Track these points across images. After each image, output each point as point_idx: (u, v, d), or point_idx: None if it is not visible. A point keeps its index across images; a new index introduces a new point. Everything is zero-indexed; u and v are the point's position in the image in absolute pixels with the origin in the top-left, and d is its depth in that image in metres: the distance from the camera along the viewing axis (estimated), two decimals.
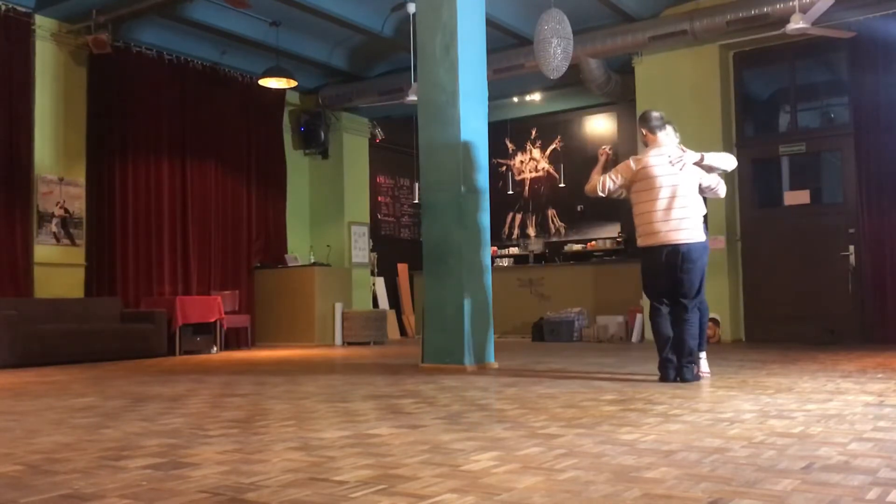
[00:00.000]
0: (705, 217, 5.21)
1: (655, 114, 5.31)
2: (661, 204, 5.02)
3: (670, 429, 3.10)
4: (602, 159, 5.51)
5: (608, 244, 11.97)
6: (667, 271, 5.00)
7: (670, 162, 5.09)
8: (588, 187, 5.42)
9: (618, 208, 11.95)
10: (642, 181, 5.13)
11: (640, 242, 5.17)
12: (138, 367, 7.38)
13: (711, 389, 4.49)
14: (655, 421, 3.32)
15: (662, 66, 9.95)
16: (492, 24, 8.54)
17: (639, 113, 10.14)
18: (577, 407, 3.82)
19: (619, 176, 5.25)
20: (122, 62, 9.43)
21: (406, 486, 2.19)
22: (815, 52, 9.46)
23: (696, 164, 5.20)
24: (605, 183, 5.26)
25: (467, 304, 6.31)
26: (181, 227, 10.03)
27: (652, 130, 5.23)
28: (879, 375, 5.10)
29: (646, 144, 5.31)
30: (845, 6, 8.07)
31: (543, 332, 10.63)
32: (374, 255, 12.66)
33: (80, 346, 8.04)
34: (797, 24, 7.37)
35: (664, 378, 4.97)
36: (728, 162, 5.43)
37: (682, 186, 5.06)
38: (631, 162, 5.22)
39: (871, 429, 3.03)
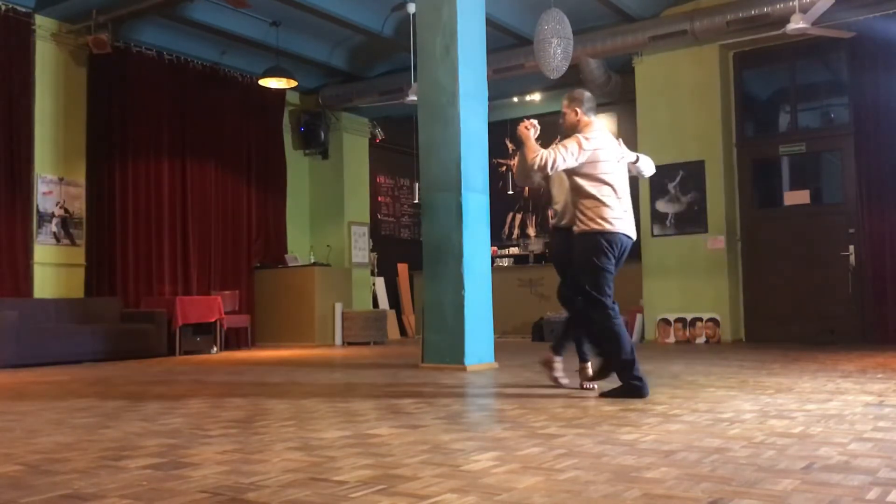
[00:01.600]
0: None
1: (589, 94, 4.77)
2: (619, 191, 4.41)
3: (670, 429, 3.10)
4: (533, 132, 4.62)
5: None
6: (616, 264, 4.42)
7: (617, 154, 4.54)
8: (526, 166, 4.50)
9: None
10: (593, 163, 4.38)
11: (600, 227, 4.31)
12: (138, 367, 7.38)
13: (711, 389, 4.48)
14: (655, 421, 3.32)
15: (662, 66, 9.95)
16: (492, 24, 8.53)
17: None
18: (577, 407, 3.82)
19: (579, 153, 4.35)
20: (122, 62, 9.43)
21: (406, 486, 2.19)
22: (815, 52, 9.46)
23: (630, 163, 4.68)
24: (557, 160, 4.31)
25: (467, 304, 6.31)
26: (181, 227, 10.02)
27: (587, 113, 4.64)
28: (879, 375, 5.10)
29: (572, 126, 4.63)
30: (845, 6, 8.07)
31: (543, 332, 10.63)
32: (374, 255, 12.66)
33: (80, 346, 8.03)
34: (797, 24, 7.37)
35: (644, 389, 4.19)
36: (651, 169, 4.90)
37: (625, 178, 4.54)
38: (583, 141, 4.40)
39: (871, 429, 3.03)
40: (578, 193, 4.44)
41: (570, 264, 4.57)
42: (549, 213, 5.07)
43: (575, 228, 4.48)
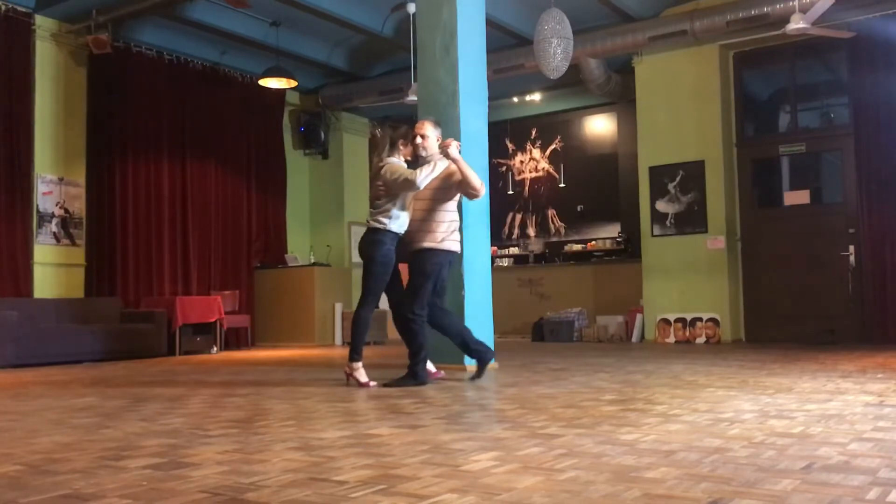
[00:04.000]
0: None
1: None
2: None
3: (670, 429, 3.10)
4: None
5: (608, 244, 11.97)
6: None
7: None
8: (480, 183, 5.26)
9: (618, 209, 11.98)
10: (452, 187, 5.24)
11: (451, 246, 5.22)
12: (138, 367, 7.38)
13: (711, 389, 4.49)
14: (655, 421, 3.32)
15: (662, 66, 9.96)
16: (492, 24, 8.53)
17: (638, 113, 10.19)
18: (577, 407, 3.82)
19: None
20: (122, 62, 9.43)
21: (406, 486, 2.19)
22: (815, 52, 9.46)
23: None
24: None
25: (467, 304, 6.30)
26: (181, 227, 10.03)
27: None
28: (879, 375, 5.10)
29: (423, 151, 5.23)
30: (845, 6, 8.07)
31: (543, 332, 10.63)
32: None
33: (80, 346, 8.04)
34: (797, 24, 7.36)
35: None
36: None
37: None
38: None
39: (871, 429, 3.03)
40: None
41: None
42: None
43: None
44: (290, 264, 11.14)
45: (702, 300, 9.58)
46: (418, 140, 5.22)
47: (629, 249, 11.38)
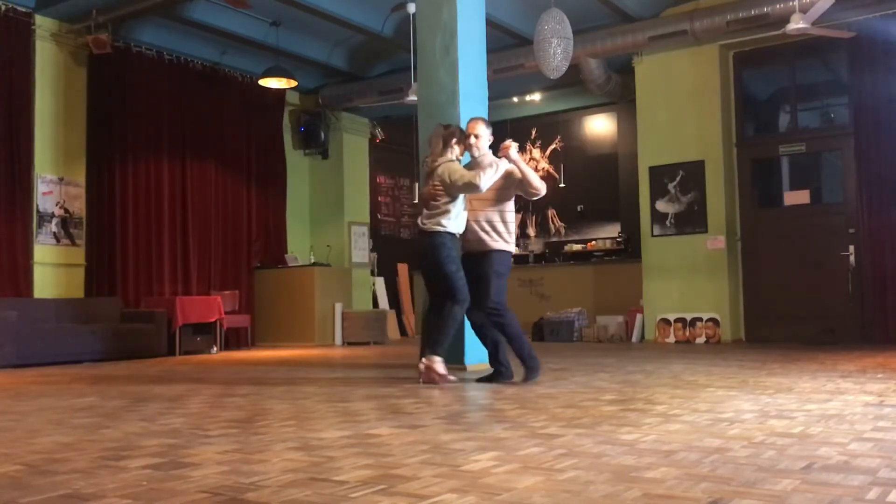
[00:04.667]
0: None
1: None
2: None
3: (670, 429, 3.10)
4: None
5: (608, 244, 11.97)
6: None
7: None
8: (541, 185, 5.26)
9: (618, 209, 11.98)
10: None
11: (510, 248, 5.29)
12: (138, 367, 7.38)
13: (711, 389, 4.49)
14: (655, 421, 3.32)
15: (662, 66, 9.96)
16: (492, 24, 8.53)
17: (638, 115, 10.19)
18: (577, 407, 3.82)
19: None
20: (122, 62, 9.43)
21: (406, 486, 2.19)
22: (815, 52, 9.46)
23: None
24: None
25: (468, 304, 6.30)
26: (181, 227, 10.03)
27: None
28: (879, 375, 5.10)
29: (476, 151, 5.22)
30: (845, 6, 8.07)
31: (543, 332, 10.63)
32: (374, 255, 12.66)
33: (80, 346, 8.04)
34: (797, 24, 7.37)
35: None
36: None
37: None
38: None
39: (871, 429, 3.03)
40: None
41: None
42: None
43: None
44: (290, 264, 11.14)
45: (702, 300, 9.58)
46: (472, 140, 5.18)
47: (629, 249, 11.38)
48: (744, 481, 2.17)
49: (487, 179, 4.91)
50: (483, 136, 5.20)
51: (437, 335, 5.02)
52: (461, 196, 5.06)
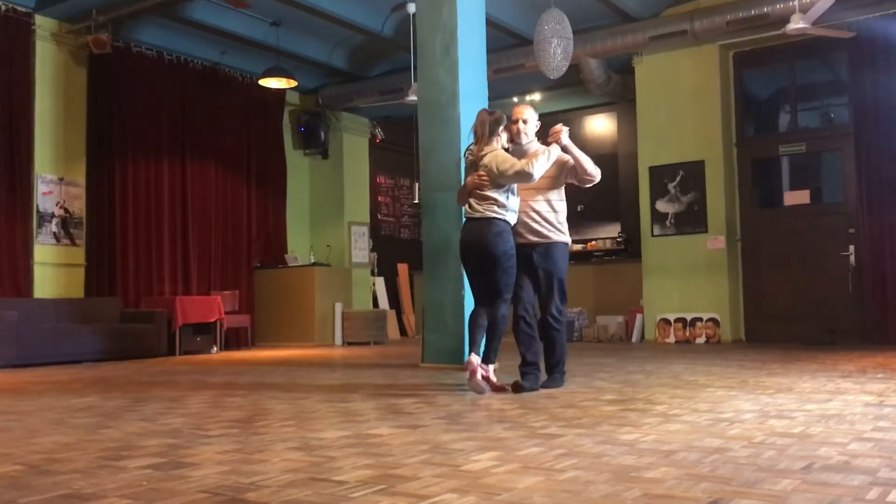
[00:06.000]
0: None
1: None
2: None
3: (670, 429, 3.10)
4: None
5: (608, 244, 11.97)
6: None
7: None
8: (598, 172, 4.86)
9: (618, 209, 11.97)
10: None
11: (569, 240, 4.87)
12: (138, 367, 7.38)
13: (711, 389, 4.48)
14: (655, 421, 3.32)
15: (662, 66, 9.95)
16: (492, 24, 8.53)
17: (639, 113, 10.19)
18: (577, 407, 3.82)
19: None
20: (122, 62, 9.43)
21: (406, 486, 2.19)
22: (815, 52, 9.46)
23: None
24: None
25: (467, 304, 6.30)
26: (181, 227, 10.03)
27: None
28: (879, 375, 5.10)
29: (524, 137, 4.84)
30: (845, 6, 8.07)
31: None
32: (374, 255, 12.66)
33: (80, 346, 8.04)
34: (797, 24, 7.37)
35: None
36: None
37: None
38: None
39: (871, 429, 3.03)
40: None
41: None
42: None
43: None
44: (290, 264, 11.14)
45: (702, 300, 9.57)
46: (520, 125, 4.81)
47: (629, 249, 11.38)
48: (744, 481, 2.17)
49: (540, 167, 4.47)
50: (531, 120, 4.86)
51: (493, 342, 4.70)
52: (513, 186, 4.63)
